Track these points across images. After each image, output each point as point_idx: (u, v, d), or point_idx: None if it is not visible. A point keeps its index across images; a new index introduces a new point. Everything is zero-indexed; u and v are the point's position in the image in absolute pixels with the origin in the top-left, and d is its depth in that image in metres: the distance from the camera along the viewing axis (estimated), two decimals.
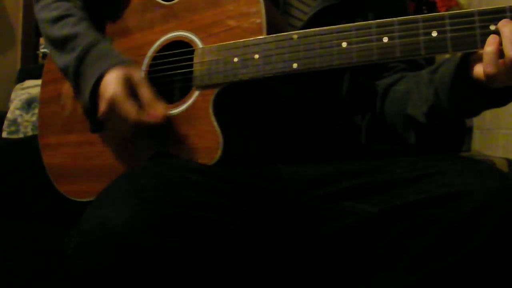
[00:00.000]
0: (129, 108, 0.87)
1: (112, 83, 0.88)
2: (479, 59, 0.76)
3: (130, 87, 0.89)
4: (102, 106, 0.89)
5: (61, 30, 0.99)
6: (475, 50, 0.75)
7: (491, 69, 0.74)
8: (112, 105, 0.88)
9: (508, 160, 1.76)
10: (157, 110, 0.88)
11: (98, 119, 0.93)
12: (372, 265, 0.85)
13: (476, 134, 2.33)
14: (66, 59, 0.97)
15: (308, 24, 0.94)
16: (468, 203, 0.74)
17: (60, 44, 0.99)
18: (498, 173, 0.79)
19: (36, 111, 1.19)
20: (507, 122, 2.10)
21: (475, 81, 0.79)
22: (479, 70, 0.77)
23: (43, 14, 1.04)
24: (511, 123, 2.08)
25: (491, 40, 0.74)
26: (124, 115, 0.87)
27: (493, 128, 2.24)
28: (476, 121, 2.31)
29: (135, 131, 0.91)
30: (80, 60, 0.94)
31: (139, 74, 0.91)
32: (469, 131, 2.24)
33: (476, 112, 0.90)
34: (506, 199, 0.74)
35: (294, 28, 0.95)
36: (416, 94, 0.93)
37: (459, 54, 0.81)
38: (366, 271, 0.85)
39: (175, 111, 0.92)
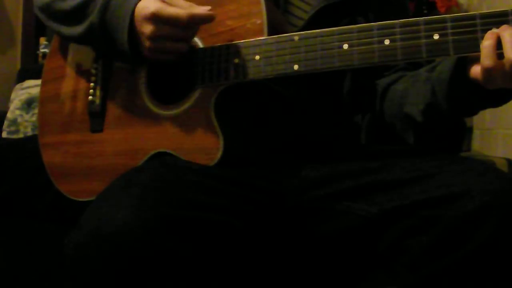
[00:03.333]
0: (176, 9, 0.84)
1: (148, 3, 0.85)
2: (477, 59, 0.76)
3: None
4: (148, 28, 0.85)
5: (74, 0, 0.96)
6: (477, 53, 0.75)
7: (488, 63, 0.74)
8: (159, 16, 0.84)
9: (508, 160, 1.76)
10: (200, 8, 0.84)
11: (143, 53, 0.89)
12: (372, 265, 0.85)
13: (476, 134, 2.34)
14: (87, 21, 0.94)
15: (309, 23, 0.94)
16: (468, 203, 0.75)
17: (79, 11, 0.95)
18: (498, 173, 0.79)
19: (36, 111, 1.19)
20: (507, 122, 2.11)
21: (472, 80, 0.80)
22: (476, 69, 0.77)
23: None
24: (511, 123, 2.08)
25: (489, 35, 0.74)
26: (174, 18, 0.84)
27: (493, 128, 2.24)
28: (476, 121, 2.31)
29: (192, 34, 0.88)
30: (104, 9, 0.91)
31: None
32: (469, 131, 2.24)
33: (473, 112, 0.90)
34: (506, 199, 0.74)
35: (295, 27, 0.95)
36: (413, 92, 0.93)
37: None
38: (366, 271, 0.85)
39: (176, 111, 0.92)
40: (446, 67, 0.85)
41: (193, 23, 0.85)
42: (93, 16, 0.92)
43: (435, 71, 0.89)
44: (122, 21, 0.89)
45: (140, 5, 0.87)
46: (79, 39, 1.00)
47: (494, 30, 0.74)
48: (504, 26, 0.73)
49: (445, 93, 0.85)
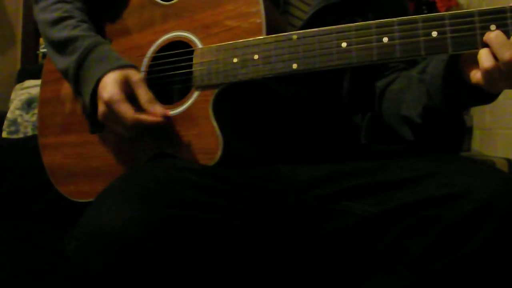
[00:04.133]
0: (125, 110, 0.88)
1: (109, 85, 0.89)
2: (476, 64, 0.76)
3: (128, 89, 0.90)
4: (101, 107, 0.90)
5: (61, 33, 0.99)
6: (475, 50, 0.75)
7: (488, 64, 0.74)
8: (110, 106, 0.89)
9: (508, 160, 1.76)
10: (155, 110, 0.88)
11: (98, 121, 0.93)
12: (372, 265, 0.84)
13: (476, 134, 2.34)
14: (65, 62, 0.98)
15: (308, 23, 0.94)
16: (468, 203, 0.74)
17: (60, 46, 0.99)
18: (498, 173, 0.79)
19: (36, 111, 1.19)
20: (507, 122, 2.10)
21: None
22: (477, 75, 0.77)
23: (42, 15, 1.04)
24: (511, 123, 2.08)
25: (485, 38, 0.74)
26: (121, 116, 0.88)
27: (493, 128, 2.24)
28: (476, 121, 2.31)
29: (134, 132, 0.91)
30: (80, 63, 0.95)
31: (138, 76, 0.92)
32: (469, 131, 2.24)
33: (470, 106, 0.90)
34: (506, 199, 0.74)
35: (294, 27, 0.95)
36: (409, 94, 0.93)
37: None
38: (366, 271, 0.85)
39: (175, 111, 0.92)
40: (437, 68, 0.85)
41: (139, 127, 0.89)
42: (70, 61, 0.96)
43: (427, 72, 0.89)
44: (89, 82, 0.93)
45: (103, 81, 0.91)
46: (59, 72, 1.03)
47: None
48: (487, 33, 0.73)
49: (440, 94, 0.85)
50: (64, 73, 1.00)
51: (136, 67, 0.94)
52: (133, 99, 0.90)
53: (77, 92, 0.98)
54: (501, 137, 2.16)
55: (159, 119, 0.88)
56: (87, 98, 0.93)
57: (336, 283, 0.91)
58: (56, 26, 1.01)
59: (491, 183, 0.75)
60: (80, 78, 0.96)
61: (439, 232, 0.76)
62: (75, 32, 0.98)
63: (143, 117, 0.88)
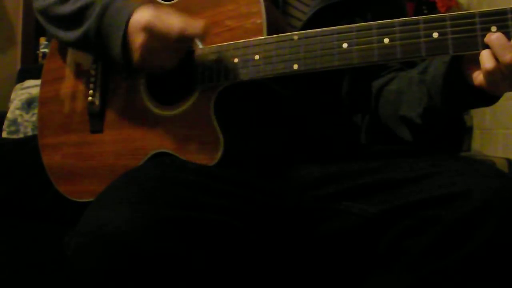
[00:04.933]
0: (167, 24, 0.84)
1: (142, 13, 0.87)
2: (477, 66, 0.76)
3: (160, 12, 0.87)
4: (139, 38, 0.86)
5: (75, 4, 0.97)
6: (476, 52, 0.75)
7: (489, 65, 0.74)
8: (151, 29, 0.85)
9: (508, 160, 1.76)
10: (195, 23, 0.85)
11: (134, 63, 0.90)
12: (372, 265, 0.85)
13: (476, 134, 2.34)
14: (83, 28, 0.95)
15: (308, 24, 0.94)
16: (468, 203, 0.75)
17: (77, 16, 0.97)
18: (498, 173, 0.79)
19: (36, 111, 1.19)
20: (507, 122, 2.11)
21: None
22: (479, 77, 0.77)
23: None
24: (511, 123, 2.08)
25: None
26: (165, 32, 0.85)
27: (493, 128, 2.24)
28: (476, 121, 2.31)
29: (179, 57, 0.89)
30: (100, 17, 0.92)
31: (165, 7, 0.89)
32: (469, 131, 2.24)
33: (471, 108, 0.90)
34: (506, 199, 0.74)
35: (293, 28, 0.95)
36: (409, 95, 0.93)
37: None
38: (366, 271, 0.85)
39: (176, 111, 0.92)
40: (438, 69, 0.85)
41: (185, 38, 0.86)
42: (90, 22, 0.93)
43: (428, 73, 0.89)
44: (116, 30, 0.90)
45: (135, 16, 0.88)
46: (75, 44, 1.01)
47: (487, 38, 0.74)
48: (488, 34, 0.74)
49: (441, 95, 0.85)
50: (83, 40, 0.96)
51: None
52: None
53: (103, 48, 0.94)
54: (501, 137, 2.16)
55: (202, 27, 0.84)
56: (118, 46, 0.89)
57: (336, 283, 0.91)
58: (67, 1, 0.99)
59: (491, 183, 0.76)
60: (104, 32, 0.92)
61: (439, 232, 0.76)
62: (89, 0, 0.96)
63: (189, 27, 0.84)
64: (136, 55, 0.88)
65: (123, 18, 0.89)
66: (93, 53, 0.99)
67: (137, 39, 0.87)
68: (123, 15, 0.89)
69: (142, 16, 0.87)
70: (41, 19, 1.06)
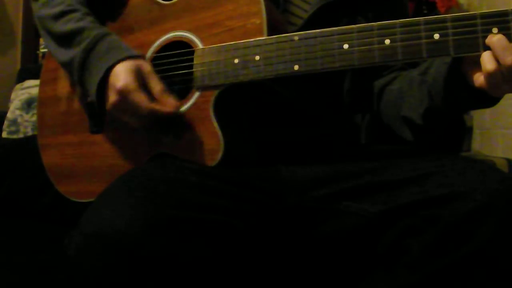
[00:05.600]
0: (141, 98, 0.87)
1: (122, 74, 0.88)
2: (478, 68, 0.76)
3: (140, 79, 0.89)
4: (113, 97, 0.88)
5: (66, 25, 0.98)
6: (477, 53, 0.75)
7: (490, 67, 0.74)
8: (124, 95, 0.87)
9: (508, 160, 1.76)
10: (169, 101, 0.88)
11: (107, 111, 0.91)
12: (372, 265, 0.85)
13: (476, 134, 2.34)
14: (70, 53, 0.96)
15: (309, 22, 0.94)
16: (468, 203, 0.75)
17: (65, 39, 0.98)
18: (498, 173, 0.79)
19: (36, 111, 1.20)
20: (507, 122, 2.11)
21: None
22: (480, 79, 0.77)
23: (44, 10, 1.03)
24: (511, 123, 2.08)
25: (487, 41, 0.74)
26: (136, 105, 0.87)
27: (493, 128, 2.24)
28: (476, 121, 2.31)
29: (145, 123, 0.91)
30: (88, 52, 0.93)
31: (149, 67, 0.91)
32: (469, 131, 2.25)
33: (472, 109, 0.90)
34: (506, 199, 0.74)
35: (295, 26, 0.95)
36: (410, 95, 0.93)
37: None
38: (366, 271, 0.85)
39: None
40: (439, 70, 0.85)
41: (152, 117, 0.88)
42: (76, 52, 0.95)
43: (429, 74, 0.89)
44: (95, 75, 0.91)
45: (115, 70, 0.89)
46: (62, 65, 1.02)
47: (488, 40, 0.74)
48: (489, 36, 0.74)
49: (442, 96, 0.85)
50: (68, 65, 0.97)
51: (145, 58, 0.94)
52: (144, 90, 0.88)
53: (82, 83, 0.96)
54: (501, 137, 2.17)
55: (173, 109, 0.87)
56: (94, 88, 0.91)
57: (337, 283, 0.91)
58: (60, 19, 0.99)
59: (491, 183, 0.76)
60: (87, 68, 0.94)
61: (439, 232, 0.76)
62: (81, 24, 0.96)
63: (158, 107, 0.87)
64: (107, 107, 0.91)
65: (105, 64, 0.90)
66: (75, 79, 1.00)
67: (111, 97, 0.89)
68: (107, 61, 0.90)
69: (119, 77, 0.88)
70: (38, 25, 1.07)
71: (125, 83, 0.87)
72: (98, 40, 0.93)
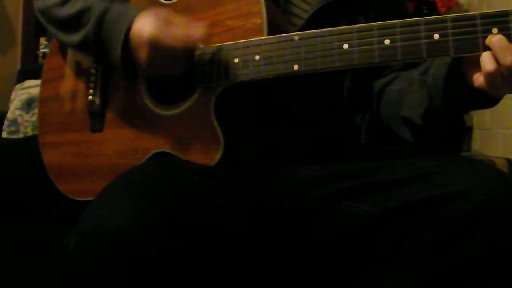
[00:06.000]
0: (173, 32, 0.84)
1: (144, 27, 0.86)
2: (478, 68, 0.76)
3: (162, 21, 0.86)
4: (144, 52, 0.86)
5: (73, 7, 0.97)
6: (477, 53, 0.75)
7: (490, 67, 0.74)
8: (155, 40, 0.84)
9: (508, 160, 1.76)
10: (198, 25, 0.85)
11: (140, 73, 0.90)
12: (372, 265, 0.85)
13: (476, 134, 2.34)
14: (82, 32, 0.95)
15: (309, 22, 0.94)
16: (468, 203, 0.75)
17: (74, 20, 0.96)
18: (498, 173, 0.79)
19: (36, 111, 1.19)
20: (507, 122, 2.11)
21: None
22: (480, 79, 0.77)
23: (48, 0, 1.03)
24: (511, 123, 2.08)
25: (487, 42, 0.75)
26: (171, 43, 0.84)
27: (493, 128, 2.24)
28: (476, 121, 2.31)
29: (184, 64, 0.88)
30: (100, 22, 0.91)
31: (163, 10, 0.88)
32: (469, 131, 2.25)
33: (472, 109, 0.90)
34: (505, 199, 0.74)
35: (295, 26, 0.95)
36: (410, 96, 0.93)
37: None
38: (366, 271, 0.85)
39: (176, 111, 0.92)
40: (439, 70, 0.85)
41: (190, 48, 0.86)
42: (88, 28, 0.93)
43: (428, 74, 0.89)
44: (115, 41, 0.89)
45: (136, 26, 0.87)
46: (76, 48, 1.01)
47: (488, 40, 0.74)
48: (489, 36, 0.74)
49: (442, 97, 0.85)
50: (82, 45, 0.96)
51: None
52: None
53: (101, 55, 0.93)
54: (501, 137, 2.17)
55: (206, 27, 0.84)
56: (118, 52, 0.89)
57: (337, 283, 0.91)
58: (65, 4, 0.99)
59: (490, 183, 0.76)
60: (103, 38, 0.91)
61: (438, 231, 0.76)
62: (88, 3, 0.95)
63: (192, 25, 0.84)
64: (142, 67, 0.88)
65: (122, 27, 0.88)
66: (94, 57, 0.99)
67: (142, 54, 0.87)
68: (122, 24, 0.89)
69: (143, 29, 0.86)
70: (41, 19, 1.06)
71: (150, 32, 0.84)
72: (105, 11, 0.92)
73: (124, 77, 0.98)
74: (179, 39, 0.84)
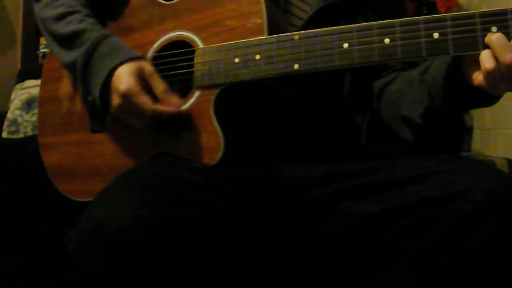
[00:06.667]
0: (144, 100, 0.88)
1: (124, 76, 0.88)
2: (477, 67, 0.76)
3: (142, 81, 0.89)
4: (116, 100, 0.89)
5: (67, 27, 0.98)
6: (477, 52, 0.75)
7: (489, 65, 0.74)
8: (127, 98, 0.88)
9: (508, 160, 1.76)
10: (172, 100, 0.88)
11: (110, 113, 0.92)
12: (372, 265, 0.85)
13: (476, 134, 2.34)
14: (73, 55, 0.96)
15: (309, 23, 0.94)
16: (468, 203, 0.75)
17: (66, 40, 0.98)
18: (497, 173, 0.79)
19: (36, 111, 1.19)
20: (507, 122, 2.11)
21: (477, 88, 0.80)
22: (479, 77, 0.77)
23: (45, 12, 1.03)
24: (511, 123, 2.08)
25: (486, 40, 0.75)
26: (139, 107, 0.88)
27: (493, 128, 2.24)
28: (476, 121, 2.31)
29: (148, 123, 0.91)
30: (90, 54, 0.94)
31: (151, 67, 0.91)
32: (469, 131, 2.25)
33: (471, 108, 0.90)
34: (505, 199, 0.74)
35: (295, 27, 0.95)
36: (410, 95, 0.94)
37: None
38: (366, 271, 0.85)
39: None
40: (439, 69, 0.85)
41: (158, 117, 0.89)
42: (78, 55, 0.95)
43: (428, 73, 0.89)
44: (99, 75, 0.92)
45: (117, 73, 0.90)
46: (65, 67, 1.02)
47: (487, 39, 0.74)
48: (489, 35, 0.74)
49: (442, 96, 0.85)
50: (70, 67, 0.98)
51: (147, 59, 0.94)
52: (146, 91, 0.89)
53: (84, 85, 0.96)
54: (501, 137, 2.17)
55: (176, 109, 0.88)
56: (97, 90, 0.92)
57: (336, 283, 0.91)
58: (61, 21, 0.99)
59: (490, 183, 0.75)
60: (89, 70, 0.94)
61: (438, 232, 0.76)
62: (82, 26, 0.97)
63: (161, 107, 0.88)
64: (111, 109, 0.92)
65: (108, 66, 0.91)
66: (78, 81, 1.00)
67: (114, 99, 0.90)
68: (110, 62, 0.91)
69: (121, 79, 0.89)
70: (40, 26, 1.07)
71: (127, 86, 0.87)
72: (99, 41, 0.94)
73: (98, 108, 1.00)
74: (149, 108, 0.88)
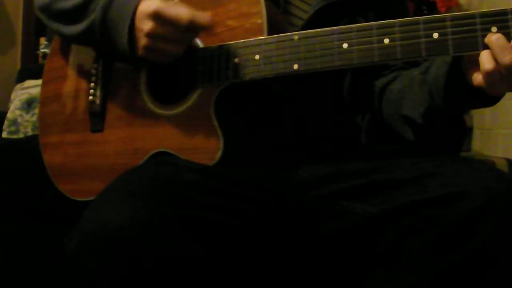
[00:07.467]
0: (177, 10, 0.84)
1: (151, 2, 0.85)
2: (477, 67, 0.76)
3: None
4: (149, 24, 0.85)
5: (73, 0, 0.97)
6: (476, 52, 0.75)
7: (489, 66, 0.74)
8: (159, 17, 0.84)
9: (508, 160, 1.76)
10: (203, 13, 0.85)
11: (140, 55, 0.89)
12: (372, 265, 0.85)
13: (476, 134, 2.34)
14: (87, 21, 0.94)
15: (309, 23, 0.94)
16: (468, 203, 0.74)
17: (80, 9, 0.96)
18: (497, 173, 0.79)
19: (36, 111, 1.19)
20: (507, 122, 2.11)
21: (476, 88, 0.80)
22: (478, 77, 0.77)
23: None
24: (511, 123, 2.08)
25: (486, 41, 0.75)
26: (174, 19, 0.84)
27: (493, 128, 2.24)
28: (476, 121, 2.31)
29: (184, 45, 0.88)
30: (106, 8, 0.91)
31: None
32: (469, 131, 2.25)
33: (472, 108, 0.90)
34: (505, 199, 0.74)
35: (295, 27, 0.95)
36: (411, 95, 0.93)
37: None
38: (366, 271, 0.85)
39: (176, 111, 0.92)
40: (440, 69, 0.85)
41: (193, 28, 0.85)
42: (94, 14, 0.92)
43: (429, 73, 0.89)
44: (123, 20, 0.89)
45: (142, 4, 0.87)
46: (79, 38, 1.00)
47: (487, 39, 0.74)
48: (489, 35, 0.74)
49: (443, 96, 0.85)
50: (87, 32, 0.95)
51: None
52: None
53: (108, 40, 0.93)
54: (501, 137, 2.17)
55: (211, 21, 0.85)
56: (124, 36, 0.88)
57: (336, 283, 0.91)
58: None
59: (490, 184, 0.75)
60: (110, 24, 0.91)
61: (438, 232, 0.76)
62: None
63: (198, 13, 0.84)
64: (142, 42, 0.87)
65: (130, 8, 0.88)
66: (97, 46, 0.98)
67: (145, 25, 0.86)
68: (130, 5, 0.88)
69: (150, 4, 0.86)
70: (42, 16, 1.06)
71: (156, 5, 0.84)
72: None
73: (127, 62, 0.97)
74: (185, 16, 0.83)
